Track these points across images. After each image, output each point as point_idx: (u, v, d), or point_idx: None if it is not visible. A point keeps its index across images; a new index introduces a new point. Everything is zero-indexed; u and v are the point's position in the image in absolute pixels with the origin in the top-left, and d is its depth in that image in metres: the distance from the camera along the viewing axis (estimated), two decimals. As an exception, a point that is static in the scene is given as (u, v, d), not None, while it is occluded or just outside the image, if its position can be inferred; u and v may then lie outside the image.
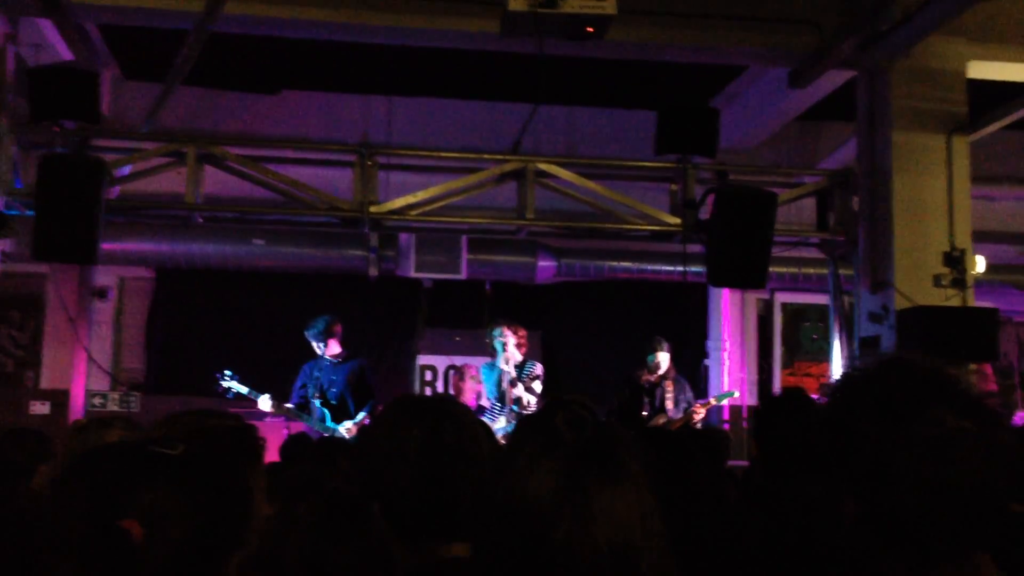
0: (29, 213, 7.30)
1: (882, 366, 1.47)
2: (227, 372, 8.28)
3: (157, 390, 10.44)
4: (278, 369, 8.97)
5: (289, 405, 8.19)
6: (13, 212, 7.47)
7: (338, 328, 8.31)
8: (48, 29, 7.74)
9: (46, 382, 10.09)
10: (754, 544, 2.79)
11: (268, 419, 8.48)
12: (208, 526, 1.43)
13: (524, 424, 1.60)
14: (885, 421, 1.38)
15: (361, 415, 8.22)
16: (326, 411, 8.16)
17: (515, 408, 7.99)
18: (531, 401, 8.09)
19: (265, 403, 8.10)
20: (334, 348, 8.27)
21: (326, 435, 7.85)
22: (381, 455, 1.93)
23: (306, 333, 8.28)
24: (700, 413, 8.55)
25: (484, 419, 7.89)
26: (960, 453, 1.34)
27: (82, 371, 10.13)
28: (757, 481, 3.39)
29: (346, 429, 8.09)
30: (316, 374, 8.27)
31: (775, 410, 3.39)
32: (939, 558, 1.35)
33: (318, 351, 8.25)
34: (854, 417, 1.42)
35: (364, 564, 2.19)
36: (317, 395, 8.19)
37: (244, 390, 8.21)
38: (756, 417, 3.38)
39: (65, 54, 8.04)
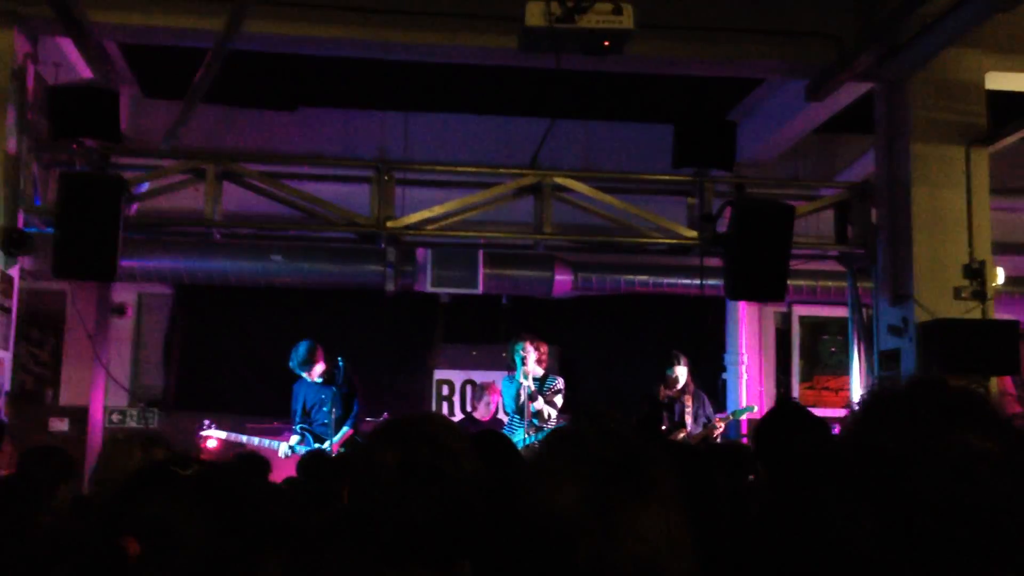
0: (49, 231, 7.35)
1: (909, 385, 1.45)
2: (206, 421, 8.41)
3: (176, 406, 10.49)
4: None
5: (295, 443, 8.28)
6: (33, 230, 7.51)
7: (319, 351, 8.36)
8: (68, 48, 7.79)
9: (65, 399, 10.13)
10: (773, 560, 2.77)
11: (286, 433, 8.54)
12: (214, 548, 1.41)
13: (553, 437, 1.58)
14: (907, 440, 1.37)
15: (344, 430, 8.25)
16: (307, 434, 8.23)
17: (535, 421, 8.00)
18: (552, 415, 8.09)
19: (284, 450, 8.24)
20: (319, 370, 8.33)
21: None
22: (359, 478, 1.91)
23: (290, 364, 8.34)
24: (720, 428, 8.53)
25: (503, 433, 7.95)
26: (983, 475, 1.33)
27: (101, 388, 10.18)
28: (770, 498, 3.37)
29: (329, 447, 8.12)
30: (305, 396, 8.35)
31: (776, 427, 3.37)
32: None
33: (305, 377, 8.33)
34: (877, 435, 1.41)
35: None
36: (303, 417, 8.28)
37: (223, 435, 8.32)
38: (757, 436, 3.34)
39: (85, 73, 8.10)
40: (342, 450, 8.10)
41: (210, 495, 1.47)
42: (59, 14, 6.78)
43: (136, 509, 1.41)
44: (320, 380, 8.34)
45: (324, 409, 8.30)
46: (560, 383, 8.25)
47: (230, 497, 1.50)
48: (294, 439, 8.32)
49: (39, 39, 7.50)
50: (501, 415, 8.56)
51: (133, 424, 10.09)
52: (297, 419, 8.39)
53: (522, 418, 8.04)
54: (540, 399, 8.05)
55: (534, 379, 8.08)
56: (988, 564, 1.33)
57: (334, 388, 8.27)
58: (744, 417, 9.57)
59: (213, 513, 1.45)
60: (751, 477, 4.34)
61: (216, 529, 1.44)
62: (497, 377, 8.68)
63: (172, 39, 7.62)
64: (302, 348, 8.32)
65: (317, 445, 8.14)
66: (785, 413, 3.52)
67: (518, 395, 8.10)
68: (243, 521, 1.51)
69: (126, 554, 1.35)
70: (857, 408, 1.49)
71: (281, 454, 8.24)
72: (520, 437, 7.93)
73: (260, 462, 5.17)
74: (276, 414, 9.30)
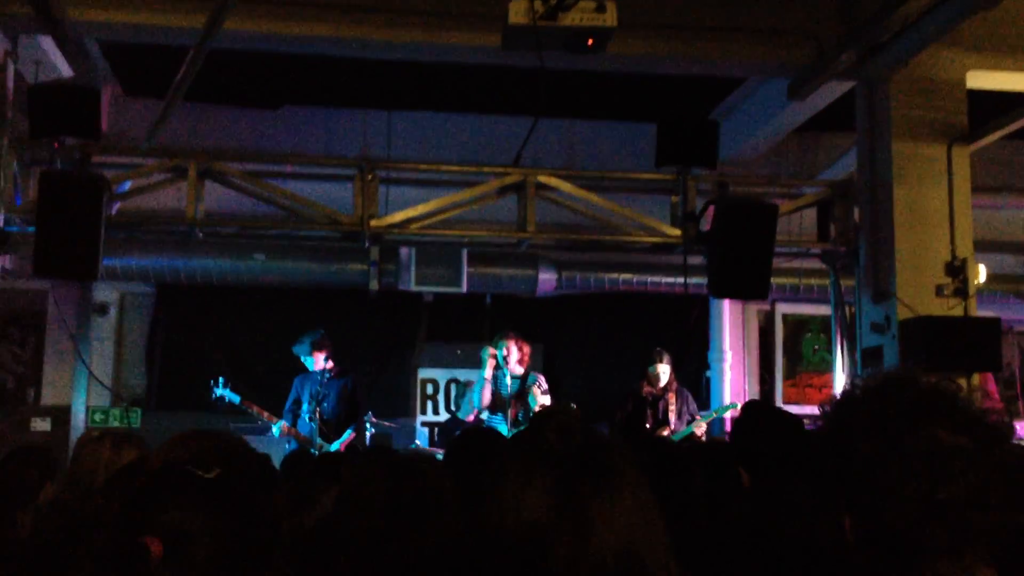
0: (30, 230, 7.30)
1: (880, 383, 1.45)
2: (220, 379, 8.30)
3: (158, 406, 10.43)
4: (279, 383, 8.97)
5: (298, 431, 8.19)
6: (13, 229, 7.47)
7: (326, 343, 8.31)
8: (48, 46, 7.74)
9: (47, 399, 10.08)
10: (751, 560, 2.78)
11: (269, 433, 8.50)
12: (234, 550, 1.42)
13: (512, 441, 1.58)
14: (880, 438, 1.37)
15: (348, 433, 8.21)
16: (314, 426, 8.17)
17: (520, 417, 8.01)
18: None
19: (277, 430, 8.15)
20: (322, 362, 8.28)
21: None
22: (349, 507, 1.98)
23: (294, 349, 8.30)
24: (702, 428, 8.52)
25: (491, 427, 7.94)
26: (955, 470, 1.33)
27: (83, 387, 10.11)
28: (748, 498, 3.38)
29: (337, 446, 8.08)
30: (309, 388, 8.28)
31: (750, 428, 3.38)
32: (939, 574, 1.34)
33: (308, 366, 8.29)
34: (850, 433, 1.41)
35: None
36: (309, 411, 8.21)
37: (237, 399, 8.23)
38: (733, 438, 3.35)
39: (65, 71, 8.05)
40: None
41: (232, 499, 1.47)
42: (38, 12, 6.74)
43: (157, 510, 1.41)
44: (328, 375, 8.31)
45: (326, 405, 8.26)
46: (543, 381, 8.25)
47: (251, 502, 1.50)
48: (285, 425, 8.22)
49: (18, 37, 7.45)
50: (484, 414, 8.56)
51: (116, 423, 10.03)
52: (304, 407, 8.31)
53: (504, 416, 8.04)
54: (537, 391, 8.06)
55: (512, 377, 8.09)
56: (965, 556, 1.33)
57: (340, 384, 8.26)
58: (728, 415, 9.59)
59: (234, 517, 1.45)
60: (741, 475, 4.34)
61: (236, 533, 1.44)
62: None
63: (153, 37, 7.57)
64: (308, 336, 8.33)
65: (320, 441, 8.10)
66: (758, 413, 3.53)
67: (498, 390, 8.11)
68: (262, 526, 1.51)
69: (148, 555, 1.35)
70: (829, 407, 1.49)
71: (275, 432, 8.19)
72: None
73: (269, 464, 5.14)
74: (259, 413, 9.24)
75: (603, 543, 1.36)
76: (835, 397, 1.51)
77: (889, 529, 1.35)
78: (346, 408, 8.30)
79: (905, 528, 1.33)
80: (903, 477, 1.34)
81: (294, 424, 8.26)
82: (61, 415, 9.88)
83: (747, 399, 10.74)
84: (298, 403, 8.36)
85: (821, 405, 1.52)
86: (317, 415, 8.17)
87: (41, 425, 9.84)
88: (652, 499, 1.43)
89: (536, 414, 1.60)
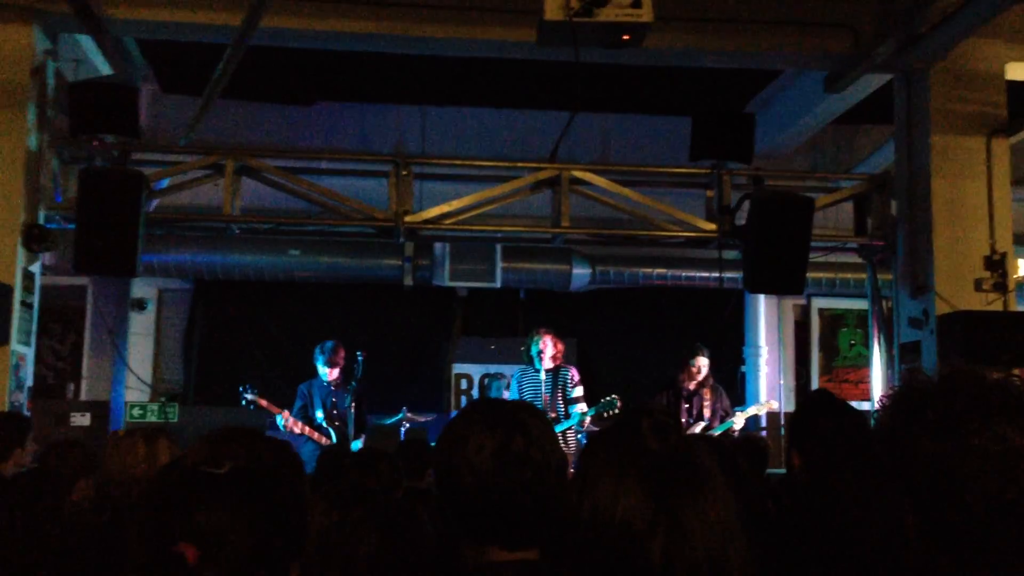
0: (70, 227, 7.39)
1: (942, 378, 1.44)
2: (249, 386, 8.41)
3: (196, 401, 10.53)
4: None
5: (295, 427, 8.21)
6: (54, 226, 7.55)
7: (340, 357, 8.37)
8: (88, 45, 7.82)
9: (86, 394, 10.19)
10: (808, 551, 2.77)
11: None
12: (265, 540, 1.43)
13: (606, 435, 1.58)
14: (946, 436, 1.36)
15: (359, 443, 8.27)
16: (331, 431, 8.24)
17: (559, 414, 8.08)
18: (583, 407, 8.20)
19: (280, 421, 8.20)
20: (334, 374, 8.36)
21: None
22: (455, 461, 1.96)
23: (316, 351, 8.38)
24: (740, 423, 8.50)
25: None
26: (1023, 470, 1.32)
27: (122, 382, 10.22)
28: (801, 489, 3.36)
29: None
30: (320, 395, 8.35)
31: (813, 415, 3.36)
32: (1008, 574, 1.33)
33: (320, 374, 8.36)
34: (914, 431, 1.40)
35: (421, 565, 2.23)
36: (324, 416, 8.28)
37: (265, 403, 8.32)
38: (793, 425, 3.34)
39: (104, 69, 8.13)
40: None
41: (251, 490, 1.49)
42: (77, 11, 6.81)
43: (184, 515, 1.42)
44: (331, 384, 8.39)
45: (339, 410, 8.33)
46: (575, 373, 8.29)
47: (273, 490, 1.52)
48: (287, 413, 8.24)
49: (58, 36, 7.53)
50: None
51: (154, 419, 10.14)
52: (317, 413, 8.39)
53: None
54: (574, 392, 8.13)
55: (546, 372, 8.13)
56: None
57: (349, 394, 8.31)
58: (764, 411, 9.53)
59: (257, 508, 1.47)
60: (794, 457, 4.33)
61: (263, 523, 1.46)
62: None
63: (190, 35, 7.63)
64: (329, 344, 8.39)
65: (338, 442, 8.16)
66: (821, 402, 3.51)
67: (539, 389, 8.14)
68: (289, 511, 1.53)
69: (186, 561, 1.38)
70: (889, 401, 1.48)
71: (279, 422, 8.19)
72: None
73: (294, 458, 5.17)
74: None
75: (699, 544, 1.38)
76: (895, 391, 1.49)
77: (955, 529, 1.34)
78: (356, 419, 8.38)
79: (972, 528, 1.32)
80: (970, 477, 1.33)
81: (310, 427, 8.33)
82: (100, 410, 9.99)
83: (783, 394, 10.68)
84: (305, 408, 8.42)
85: (877, 397, 1.51)
86: (326, 420, 8.29)
87: (80, 420, 9.95)
88: (733, 503, 1.44)
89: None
